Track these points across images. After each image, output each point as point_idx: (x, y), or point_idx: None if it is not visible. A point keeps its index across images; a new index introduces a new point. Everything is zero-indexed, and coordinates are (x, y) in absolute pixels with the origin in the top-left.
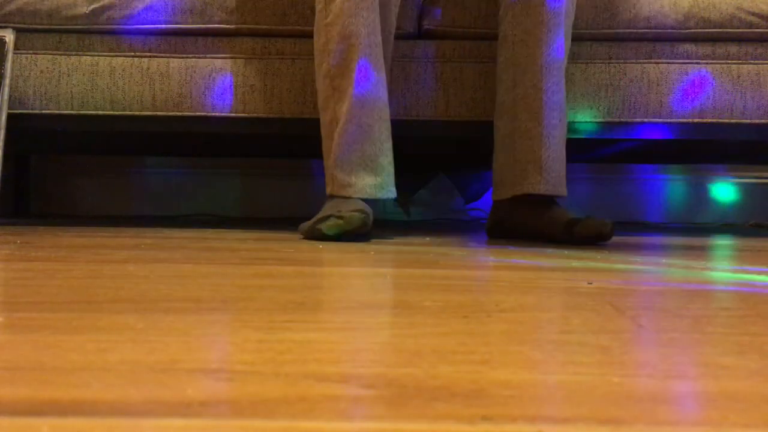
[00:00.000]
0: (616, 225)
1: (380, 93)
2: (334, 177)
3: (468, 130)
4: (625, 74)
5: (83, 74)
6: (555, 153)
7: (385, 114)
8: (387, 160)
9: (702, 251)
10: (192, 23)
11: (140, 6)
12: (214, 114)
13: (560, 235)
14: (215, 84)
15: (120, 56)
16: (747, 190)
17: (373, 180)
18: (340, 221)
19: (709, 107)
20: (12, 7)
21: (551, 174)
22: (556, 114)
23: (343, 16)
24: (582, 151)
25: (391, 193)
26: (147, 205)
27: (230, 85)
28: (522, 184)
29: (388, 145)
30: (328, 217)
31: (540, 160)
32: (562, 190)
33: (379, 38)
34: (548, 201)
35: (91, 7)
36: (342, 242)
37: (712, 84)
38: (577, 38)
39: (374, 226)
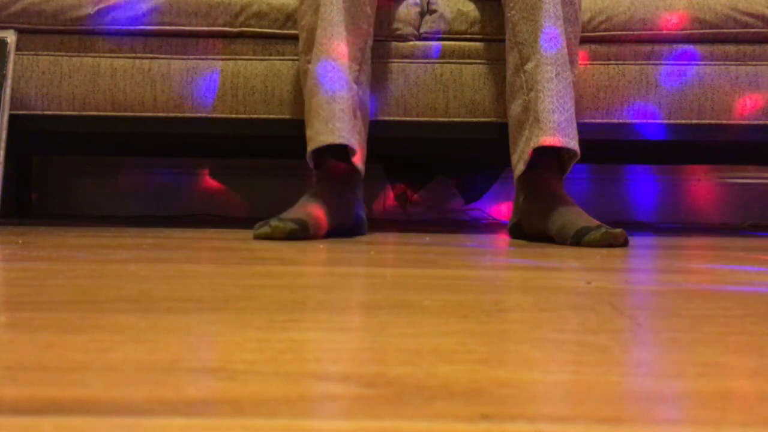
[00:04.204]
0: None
1: (337, 46)
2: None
3: (468, 131)
4: (624, 75)
5: (85, 75)
6: (551, 105)
7: (341, 63)
8: (339, 107)
9: (700, 251)
10: (197, 25)
11: (145, 7)
12: (214, 115)
13: (570, 244)
14: (216, 85)
15: (121, 57)
16: (745, 191)
17: (324, 127)
18: (268, 230)
19: (707, 108)
20: (17, 7)
21: (548, 124)
22: (551, 69)
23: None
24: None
25: (342, 138)
26: (147, 205)
27: (231, 87)
28: (527, 146)
29: (341, 93)
30: (267, 222)
31: (537, 113)
32: (564, 140)
33: (351, 14)
34: (560, 199)
35: (97, 7)
36: (342, 242)
37: (711, 85)
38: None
39: (374, 226)
